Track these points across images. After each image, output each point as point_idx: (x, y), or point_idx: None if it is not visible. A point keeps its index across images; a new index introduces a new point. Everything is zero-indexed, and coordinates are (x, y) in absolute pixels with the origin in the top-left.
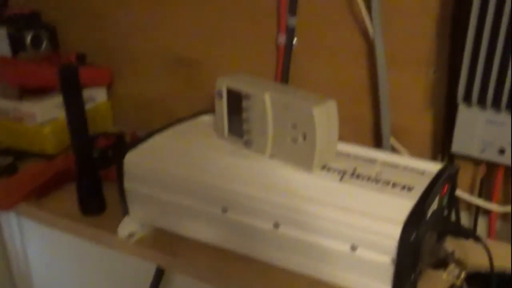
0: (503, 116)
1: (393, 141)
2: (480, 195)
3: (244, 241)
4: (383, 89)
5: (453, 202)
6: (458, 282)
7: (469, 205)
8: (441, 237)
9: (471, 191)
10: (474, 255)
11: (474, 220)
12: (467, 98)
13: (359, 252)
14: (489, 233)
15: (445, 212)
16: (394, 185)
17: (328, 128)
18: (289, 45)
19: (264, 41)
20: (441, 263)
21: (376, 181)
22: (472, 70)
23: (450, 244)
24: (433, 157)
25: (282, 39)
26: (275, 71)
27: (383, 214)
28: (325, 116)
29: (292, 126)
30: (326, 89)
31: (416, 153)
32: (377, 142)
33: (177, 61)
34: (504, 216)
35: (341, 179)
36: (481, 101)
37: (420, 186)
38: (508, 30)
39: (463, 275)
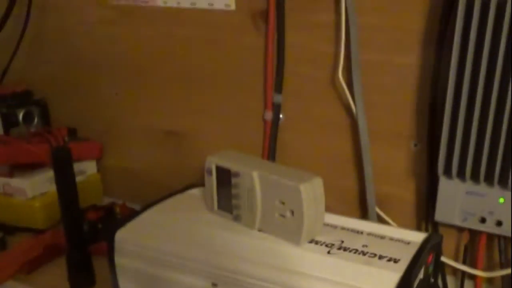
0: (482, 188)
1: (378, 210)
2: (464, 261)
3: None
4: (366, 162)
5: (439, 269)
6: None
7: (455, 270)
8: None
9: (456, 258)
10: None
11: (461, 285)
12: (447, 171)
13: None
14: None
15: (431, 280)
16: (380, 257)
17: (315, 204)
18: (275, 121)
19: (251, 117)
20: None
21: (363, 253)
22: (450, 144)
23: None
24: (418, 225)
25: (269, 115)
26: (262, 146)
27: (370, 287)
28: (312, 192)
29: (280, 202)
30: (311, 163)
31: (400, 221)
32: (363, 211)
33: (165, 134)
34: (490, 280)
35: (328, 252)
36: (461, 174)
37: (406, 258)
38: (483, 106)
39: None
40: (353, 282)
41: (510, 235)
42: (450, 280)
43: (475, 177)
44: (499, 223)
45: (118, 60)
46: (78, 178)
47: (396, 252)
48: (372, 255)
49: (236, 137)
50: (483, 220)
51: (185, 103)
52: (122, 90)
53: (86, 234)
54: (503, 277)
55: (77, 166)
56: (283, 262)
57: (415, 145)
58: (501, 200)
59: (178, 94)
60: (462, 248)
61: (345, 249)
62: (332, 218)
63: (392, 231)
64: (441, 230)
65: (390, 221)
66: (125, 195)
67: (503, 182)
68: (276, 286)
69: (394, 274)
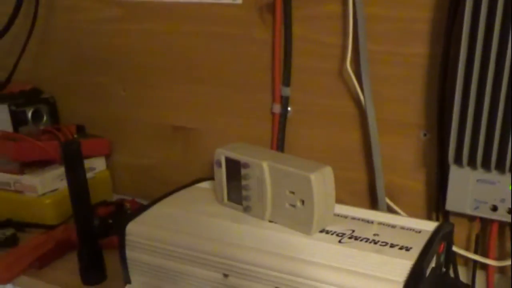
0: (493, 175)
1: (388, 201)
2: (476, 251)
3: None
4: (375, 152)
5: (451, 258)
6: None
7: (466, 260)
8: None
9: (467, 247)
10: None
11: (472, 275)
12: (458, 160)
13: None
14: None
15: (443, 269)
16: (392, 245)
17: (325, 193)
18: (283, 113)
19: (259, 110)
20: None
21: (374, 242)
22: (461, 133)
23: None
24: (428, 216)
25: (277, 108)
26: (271, 139)
27: (383, 275)
28: (322, 182)
29: (290, 192)
30: (320, 155)
31: (411, 212)
32: (373, 203)
33: (174, 130)
34: (502, 270)
35: (340, 241)
36: (471, 162)
37: (418, 246)
38: (494, 92)
39: None
40: (366, 270)
41: None
42: (461, 270)
43: (486, 165)
44: (510, 211)
45: (125, 56)
46: (88, 175)
47: (408, 241)
48: (384, 244)
49: (245, 130)
50: (494, 208)
51: (193, 98)
52: (129, 87)
53: (97, 229)
54: None
55: (86, 163)
56: (294, 252)
57: (425, 135)
58: (510, 187)
59: (185, 89)
60: (473, 238)
61: (356, 238)
62: (342, 209)
63: (403, 220)
64: (452, 220)
65: (400, 211)
66: (134, 192)
67: None
68: (287, 275)
69: (406, 262)
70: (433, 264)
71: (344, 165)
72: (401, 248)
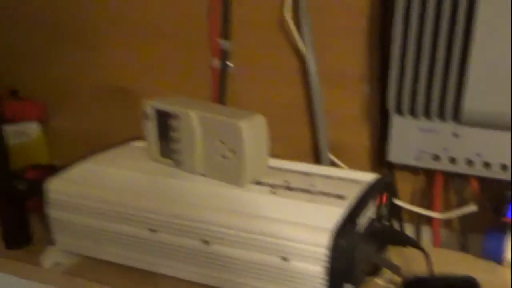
0: (435, 124)
1: (332, 157)
2: (421, 204)
3: (172, 261)
4: (318, 106)
5: (395, 212)
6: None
7: (412, 216)
8: (383, 246)
9: (412, 201)
10: (420, 263)
11: (417, 229)
12: (399, 108)
13: (291, 263)
14: (434, 242)
15: (386, 222)
16: (326, 194)
17: (256, 142)
18: (223, 69)
19: (199, 67)
20: (378, 271)
21: (309, 192)
22: (400, 80)
23: (394, 254)
24: (373, 170)
25: (216, 63)
26: (212, 96)
27: (313, 223)
28: (252, 130)
29: (220, 143)
30: (263, 111)
31: (356, 167)
32: (318, 160)
33: (112, 92)
34: (448, 224)
35: (272, 192)
36: (412, 111)
37: (352, 195)
38: (433, 39)
39: (398, 280)
40: (296, 219)
41: (464, 171)
42: (408, 227)
43: (427, 113)
44: (452, 160)
45: (61, 17)
46: (21, 139)
47: (343, 190)
48: (318, 194)
49: (185, 88)
50: (437, 158)
51: (131, 59)
52: (67, 49)
53: (23, 192)
54: (460, 218)
55: (18, 127)
56: (226, 204)
57: (367, 87)
58: (456, 136)
59: (123, 50)
60: (418, 192)
61: (290, 189)
62: (280, 163)
63: (343, 172)
64: (398, 174)
65: (344, 167)
66: (75, 157)
67: (456, 117)
68: (216, 227)
69: (338, 210)
70: (371, 214)
71: (288, 121)
72: (335, 197)
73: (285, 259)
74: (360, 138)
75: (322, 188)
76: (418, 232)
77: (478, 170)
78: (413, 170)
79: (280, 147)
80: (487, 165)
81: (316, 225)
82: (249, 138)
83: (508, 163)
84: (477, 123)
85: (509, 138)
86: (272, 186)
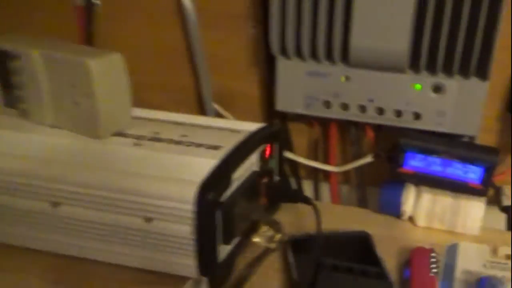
0: (324, 66)
1: (217, 107)
2: (317, 159)
3: (15, 227)
4: (198, 51)
5: (291, 167)
6: (273, 245)
7: (309, 171)
8: (271, 202)
9: (308, 155)
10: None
11: (315, 186)
12: (283, 50)
13: (154, 223)
14: (333, 198)
15: (277, 177)
16: (198, 145)
17: (112, 85)
18: (88, 6)
19: (63, 3)
20: (258, 229)
21: (179, 143)
22: (282, 19)
23: (287, 211)
24: (265, 121)
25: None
26: (78, 38)
27: (180, 177)
28: (106, 70)
29: (71, 87)
30: (139, 58)
31: (246, 118)
32: (202, 111)
33: None
34: (346, 178)
35: (135, 144)
36: (298, 52)
37: (228, 145)
38: None
39: (277, 237)
40: (162, 173)
41: (357, 119)
42: (307, 184)
43: (314, 55)
44: (345, 107)
45: None
46: None
47: (219, 141)
48: (189, 144)
49: (48, 28)
50: (328, 105)
51: None
52: None
53: None
54: (357, 171)
55: None
56: (79, 158)
57: (253, 27)
58: (346, 79)
59: None
60: (313, 146)
61: (158, 140)
62: (151, 113)
63: (223, 122)
64: (292, 127)
65: (231, 117)
66: None
67: (345, 58)
68: (69, 187)
69: (210, 161)
70: (255, 167)
71: (168, 69)
72: (208, 148)
73: (148, 219)
74: (250, 86)
75: (196, 139)
76: (316, 188)
77: (372, 117)
78: (308, 121)
79: (162, 97)
80: (380, 111)
81: (182, 178)
82: (102, 79)
83: (403, 109)
84: (367, 64)
85: (403, 81)
86: (138, 138)
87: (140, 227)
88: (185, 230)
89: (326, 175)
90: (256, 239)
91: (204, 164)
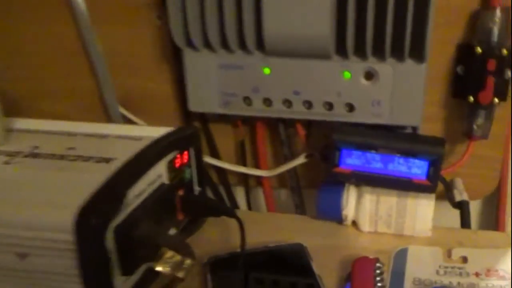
0: (239, 57)
1: (123, 111)
2: (245, 163)
3: None
4: (93, 49)
5: (219, 174)
6: (181, 274)
7: (239, 178)
8: (193, 219)
9: (237, 160)
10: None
11: (247, 193)
12: (188, 40)
13: (30, 260)
14: (268, 206)
15: (197, 187)
16: (87, 159)
17: None
18: None
19: None
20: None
21: (62, 157)
22: (183, 5)
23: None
24: (183, 124)
25: None
26: None
27: (57, 200)
28: None
29: None
30: (31, 59)
31: (160, 122)
32: (109, 116)
33: None
34: (280, 181)
35: (6, 162)
36: (206, 42)
37: (124, 156)
38: None
39: (187, 263)
40: (35, 196)
41: (283, 115)
42: (240, 192)
43: (225, 44)
44: (267, 102)
45: None
46: None
47: (114, 152)
48: (75, 158)
49: None
50: (249, 102)
51: None
52: None
53: None
54: (291, 174)
55: None
56: None
57: (159, 17)
58: (266, 70)
59: None
60: (240, 148)
61: (35, 156)
62: (35, 123)
63: (128, 129)
64: (215, 129)
65: (141, 123)
66: None
67: (260, 47)
68: None
69: (97, 178)
70: (163, 179)
71: (65, 71)
72: (98, 161)
73: (22, 255)
74: (160, 85)
75: (86, 151)
76: (248, 196)
77: (300, 112)
78: (232, 121)
79: (65, 105)
80: (309, 104)
81: (61, 202)
82: None
83: (334, 100)
84: (287, 52)
85: (331, 69)
86: (11, 154)
87: (13, 265)
88: (67, 264)
89: (259, 180)
90: (159, 268)
91: (89, 182)
